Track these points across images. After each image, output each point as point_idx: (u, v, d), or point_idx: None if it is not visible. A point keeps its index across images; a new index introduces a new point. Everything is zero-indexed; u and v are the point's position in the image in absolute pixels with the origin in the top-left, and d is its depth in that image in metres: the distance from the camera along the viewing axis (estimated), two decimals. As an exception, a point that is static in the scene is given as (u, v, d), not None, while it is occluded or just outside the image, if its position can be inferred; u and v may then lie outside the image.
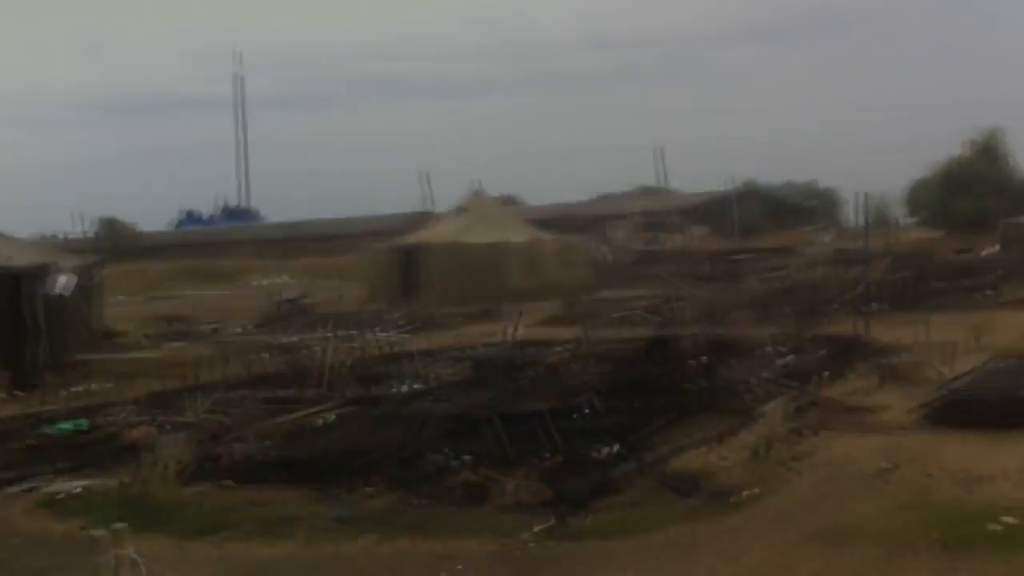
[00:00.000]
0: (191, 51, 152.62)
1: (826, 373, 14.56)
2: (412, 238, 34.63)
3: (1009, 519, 7.80)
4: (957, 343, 15.41)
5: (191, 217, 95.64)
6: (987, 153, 48.14)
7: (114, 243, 78.07)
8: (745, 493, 9.04)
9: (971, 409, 10.79)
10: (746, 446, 10.37)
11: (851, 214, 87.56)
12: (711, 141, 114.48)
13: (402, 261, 33.29)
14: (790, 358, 16.03)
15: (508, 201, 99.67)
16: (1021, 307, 20.95)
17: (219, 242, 77.82)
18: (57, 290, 17.81)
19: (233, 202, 79.42)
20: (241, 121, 73.96)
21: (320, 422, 13.30)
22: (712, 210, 66.71)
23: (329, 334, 16.72)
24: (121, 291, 48.03)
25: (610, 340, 17.55)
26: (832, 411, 12.33)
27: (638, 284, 32.12)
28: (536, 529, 7.94)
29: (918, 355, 15.50)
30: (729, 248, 49.45)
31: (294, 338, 18.75)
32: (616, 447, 10.42)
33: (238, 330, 25.83)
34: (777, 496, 9.02)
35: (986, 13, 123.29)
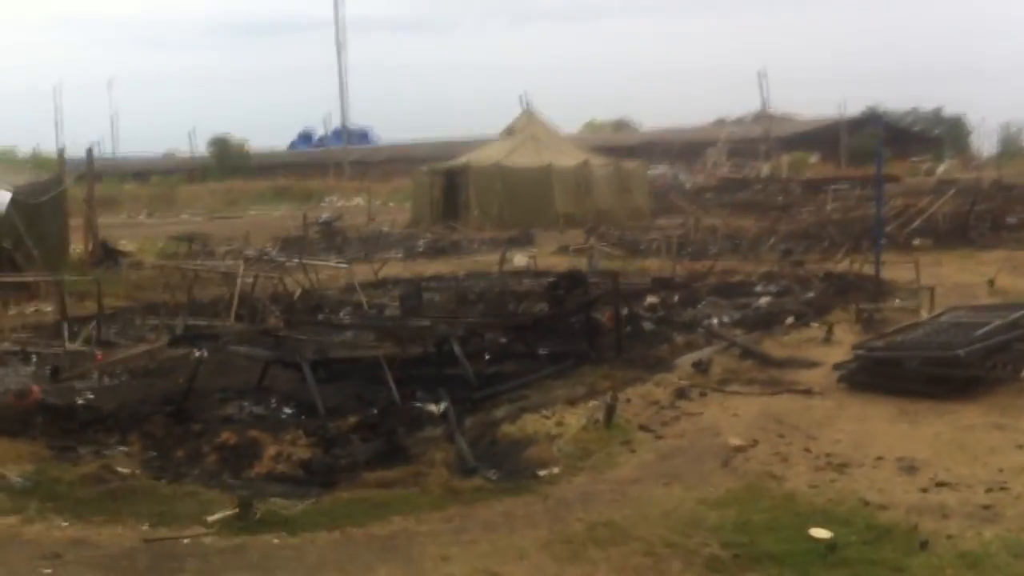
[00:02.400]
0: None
1: (791, 319, 12.45)
2: (456, 160, 32.91)
3: (821, 533, 5.82)
4: (938, 286, 13.07)
5: (304, 137, 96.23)
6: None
7: (222, 161, 78.92)
8: (543, 472, 7.24)
9: (885, 372, 8.63)
10: (596, 409, 8.50)
11: (978, 142, 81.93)
12: (835, 66, 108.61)
13: (445, 183, 31.68)
14: (766, 299, 13.94)
15: (621, 125, 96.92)
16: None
17: (323, 163, 77.64)
18: None
19: (339, 122, 79.45)
20: (339, 39, 73.00)
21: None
22: (825, 137, 62.92)
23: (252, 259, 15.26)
24: (192, 208, 48.03)
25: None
26: (760, 365, 10.32)
27: (698, 212, 29.87)
28: (213, 517, 6.30)
29: (911, 300, 13.20)
30: (824, 176, 46.21)
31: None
32: (443, 405, 8.69)
33: (251, 252, 24.93)
34: (585, 476, 7.19)
35: None
